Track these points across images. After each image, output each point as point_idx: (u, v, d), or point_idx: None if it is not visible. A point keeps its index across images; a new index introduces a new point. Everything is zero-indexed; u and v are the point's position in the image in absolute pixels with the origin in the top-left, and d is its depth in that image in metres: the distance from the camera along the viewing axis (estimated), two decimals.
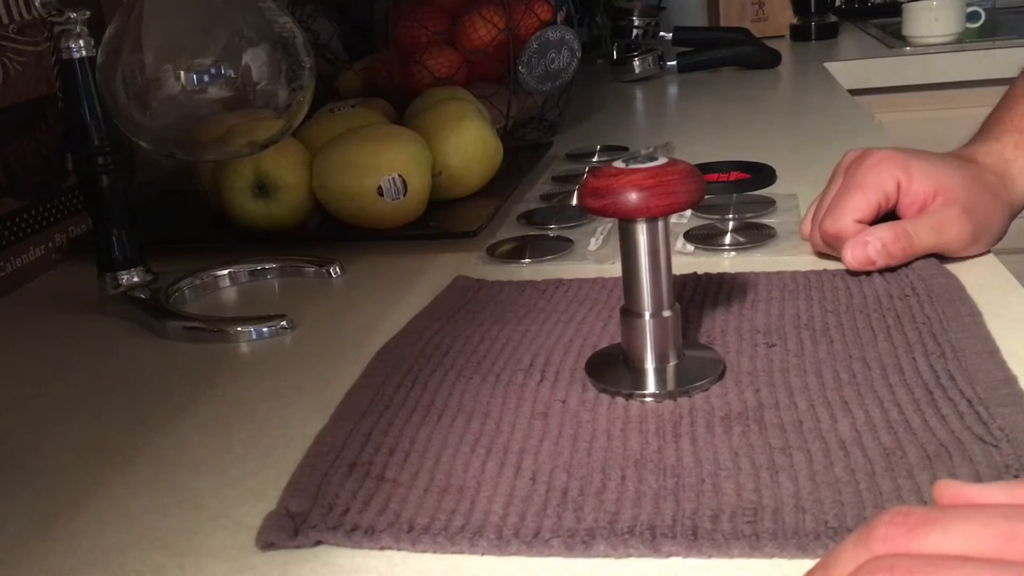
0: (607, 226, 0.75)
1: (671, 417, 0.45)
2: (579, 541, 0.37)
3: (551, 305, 0.61)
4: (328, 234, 0.82)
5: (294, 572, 0.38)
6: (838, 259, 0.62)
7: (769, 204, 0.77)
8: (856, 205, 0.60)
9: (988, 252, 0.62)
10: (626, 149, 1.04)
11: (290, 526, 0.39)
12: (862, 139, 1.00)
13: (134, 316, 0.68)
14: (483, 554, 0.37)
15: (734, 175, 0.86)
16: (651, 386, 0.48)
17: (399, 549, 0.38)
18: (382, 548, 0.38)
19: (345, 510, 0.40)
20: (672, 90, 1.48)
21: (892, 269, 0.59)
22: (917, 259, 0.60)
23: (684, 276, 0.62)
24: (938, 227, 0.59)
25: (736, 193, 0.81)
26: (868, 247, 0.58)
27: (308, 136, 0.83)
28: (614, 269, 0.66)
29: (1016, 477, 0.37)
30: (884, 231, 0.59)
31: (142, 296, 0.69)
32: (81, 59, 0.66)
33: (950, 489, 0.30)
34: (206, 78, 0.61)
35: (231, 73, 0.61)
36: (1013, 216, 0.64)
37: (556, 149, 1.05)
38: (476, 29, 1.04)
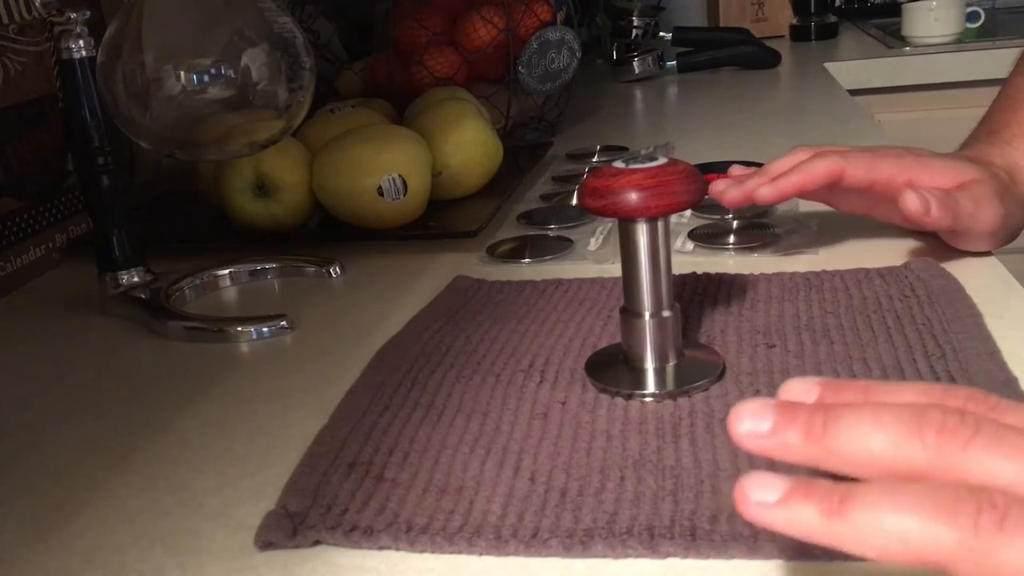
0: (607, 226, 0.75)
1: (670, 418, 0.45)
2: (577, 541, 0.37)
3: (551, 305, 0.61)
4: (328, 234, 0.82)
5: (294, 572, 0.38)
6: (837, 260, 0.62)
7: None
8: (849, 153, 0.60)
9: (989, 253, 0.62)
10: (626, 149, 1.04)
11: (288, 526, 0.39)
12: (862, 139, 1.00)
13: (134, 316, 0.68)
14: (481, 554, 0.37)
15: None
16: (651, 386, 0.48)
17: (397, 549, 0.38)
18: (380, 548, 0.38)
19: (344, 510, 0.40)
20: (672, 90, 1.48)
21: (892, 270, 0.60)
22: (914, 260, 0.60)
23: (684, 276, 0.62)
24: (976, 199, 0.58)
25: None
26: (927, 195, 0.56)
27: (308, 136, 0.83)
28: (614, 269, 0.66)
29: None
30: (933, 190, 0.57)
31: (142, 296, 0.69)
32: (81, 59, 0.66)
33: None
34: (206, 78, 0.61)
35: (231, 73, 0.61)
36: None
37: (556, 149, 1.05)
38: (476, 29, 1.04)
